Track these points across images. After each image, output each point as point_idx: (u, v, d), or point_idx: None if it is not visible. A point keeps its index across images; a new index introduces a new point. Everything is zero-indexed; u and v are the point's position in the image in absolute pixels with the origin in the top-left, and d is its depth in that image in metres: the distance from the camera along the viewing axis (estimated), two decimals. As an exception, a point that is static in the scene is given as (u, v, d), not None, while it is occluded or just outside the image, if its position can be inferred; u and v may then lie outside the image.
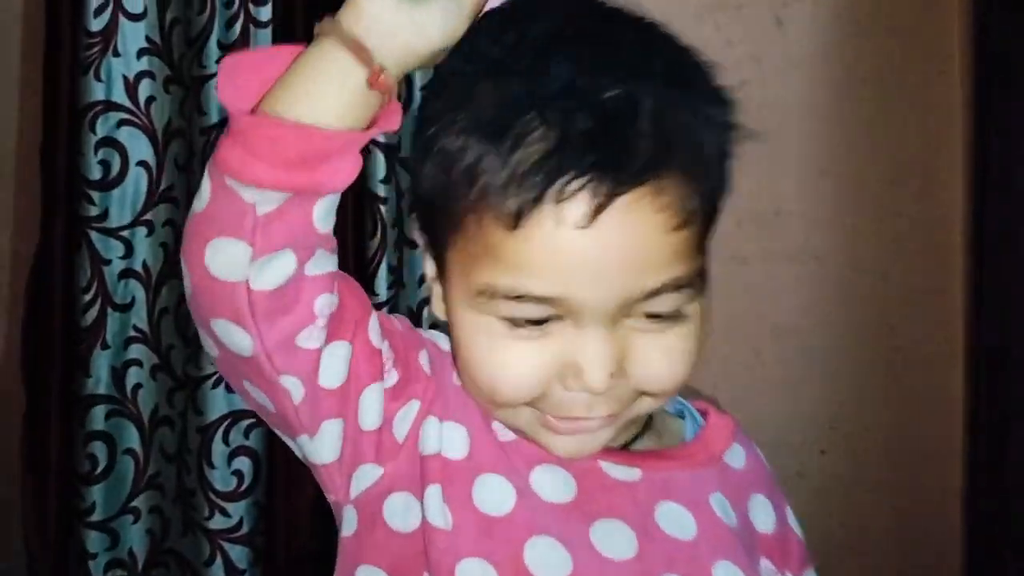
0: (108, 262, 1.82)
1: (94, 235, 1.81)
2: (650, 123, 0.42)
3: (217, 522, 1.77)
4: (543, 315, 0.46)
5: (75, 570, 1.82)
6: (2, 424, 1.99)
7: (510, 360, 0.47)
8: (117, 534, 1.84)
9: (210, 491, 1.77)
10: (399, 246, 1.74)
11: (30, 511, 1.80)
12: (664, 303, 0.45)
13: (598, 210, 0.41)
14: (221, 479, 1.78)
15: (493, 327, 0.47)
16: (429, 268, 0.56)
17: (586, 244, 0.42)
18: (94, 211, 1.80)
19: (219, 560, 1.77)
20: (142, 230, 1.85)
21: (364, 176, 1.72)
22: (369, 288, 1.70)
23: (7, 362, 1.93)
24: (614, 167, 0.41)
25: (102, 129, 1.80)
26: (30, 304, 1.86)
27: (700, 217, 0.45)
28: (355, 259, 1.72)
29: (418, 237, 0.57)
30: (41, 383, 1.82)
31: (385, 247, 1.71)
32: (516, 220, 0.42)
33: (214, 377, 1.76)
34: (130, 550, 1.85)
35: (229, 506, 1.77)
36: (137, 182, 1.83)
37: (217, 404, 1.77)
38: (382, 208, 1.71)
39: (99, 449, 1.82)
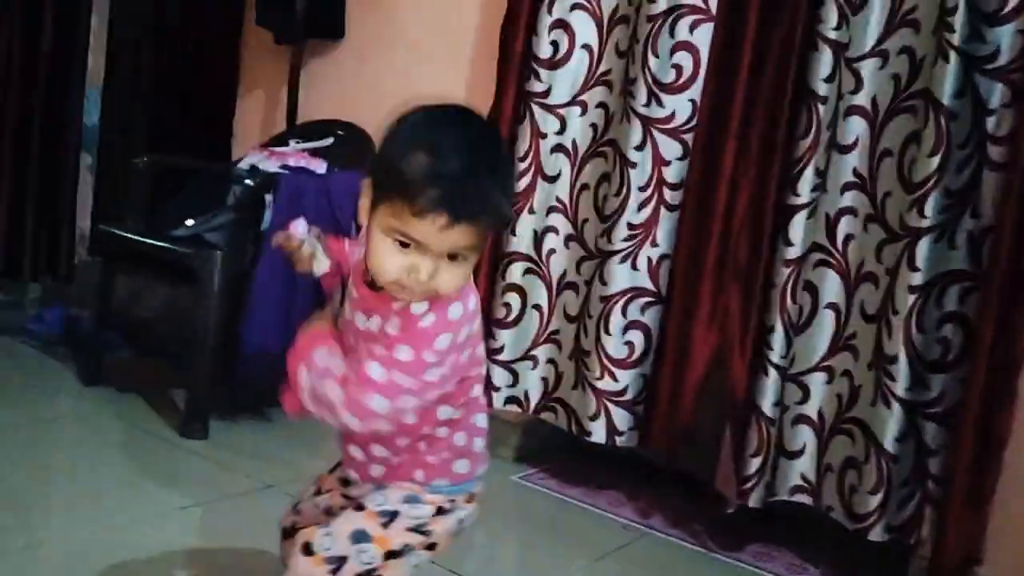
0: (544, 136, 2.02)
1: (536, 109, 2.01)
2: (474, 194, 0.95)
3: (606, 384, 1.94)
4: (411, 244, 0.95)
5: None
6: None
7: (388, 259, 0.97)
8: (517, 374, 2.10)
9: (604, 355, 1.93)
10: (829, 149, 1.69)
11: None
12: (458, 254, 0.96)
13: (446, 227, 0.93)
14: (615, 346, 1.93)
15: (387, 242, 0.96)
16: (365, 200, 1.00)
17: (439, 233, 0.94)
18: (539, 87, 2.00)
19: (603, 417, 1.95)
20: (576, 109, 2.01)
21: (805, 72, 1.69)
22: (792, 188, 1.70)
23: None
24: (455, 214, 0.93)
25: (557, 11, 1.96)
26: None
27: (486, 232, 0.99)
28: (782, 157, 1.72)
29: (365, 184, 1.01)
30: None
31: (816, 148, 1.68)
32: (418, 215, 0.93)
33: (622, 253, 1.90)
34: (526, 392, 2.11)
35: (619, 372, 1.93)
36: (579, 63, 1.98)
37: (620, 278, 1.91)
38: (820, 107, 1.67)
39: (513, 300, 2.07)
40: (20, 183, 2.60)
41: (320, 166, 2.36)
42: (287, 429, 2.24)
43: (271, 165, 2.32)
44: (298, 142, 2.50)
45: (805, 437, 1.74)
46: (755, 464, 1.72)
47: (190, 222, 2.22)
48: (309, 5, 2.47)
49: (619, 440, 1.95)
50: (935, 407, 1.59)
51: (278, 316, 2.07)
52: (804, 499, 1.75)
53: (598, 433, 1.95)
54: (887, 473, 1.60)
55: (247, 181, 2.17)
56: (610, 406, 1.94)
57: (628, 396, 1.94)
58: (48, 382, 2.29)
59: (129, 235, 2.23)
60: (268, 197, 2.16)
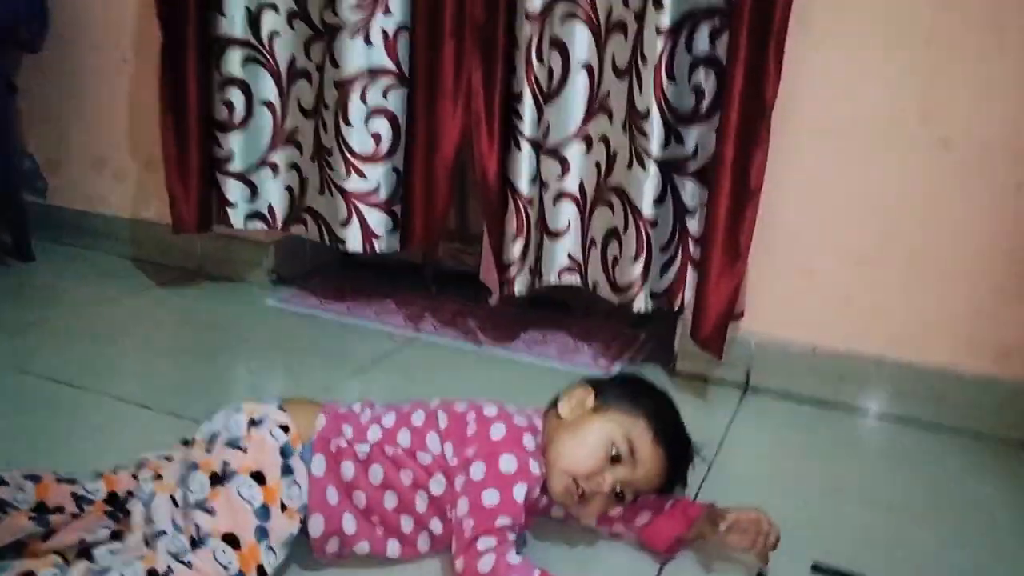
0: None
1: None
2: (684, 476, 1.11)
3: (354, 183, 1.71)
4: (622, 460, 1.04)
5: (217, 218, 1.85)
6: (144, 61, 1.95)
7: (593, 456, 1.03)
8: (255, 186, 1.83)
9: (347, 151, 1.69)
10: None
11: (171, 154, 1.78)
12: (634, 496, 1.06)
13: (662, 471, 1.06)
14: (359, 140, 1.69)
15: (601, 443, 1.03)
16: (580, 398, 1.08)
17: (655, 468, 1.05)
18: None
19: (355, 221, 1.73)
20: None
21: None
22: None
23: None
24: (681, 472, 1.10)
25: None
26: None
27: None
28: None
29: (582, 387, 1.10)
30: (176, 20, 1.72)
31: None
32: (655, 443, 1.04)
33: (352, 26, 1.61)
34: (269, 205, 1.84)
35: (366, 168, 1.70)
36: None
37: (355, 57, 1.64)
38: None
39: (236, 96, 1.76)
40: None
41: None
42: None
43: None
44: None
45: (568, 214, 1.61)
46: (517, 248, 1.59)
47: None
48: None
49: (378, 246, 1.75)
50: (691, 163, 1.49)
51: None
52: (572, 279, 1.65)
53: (353, 241, 1.74)
54: (647, 239, 1.50)
55: None
56: (362, 208, 1.72)
57: (381, 196, 1.72)
58: None
59: None
60: None
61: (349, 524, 0.99)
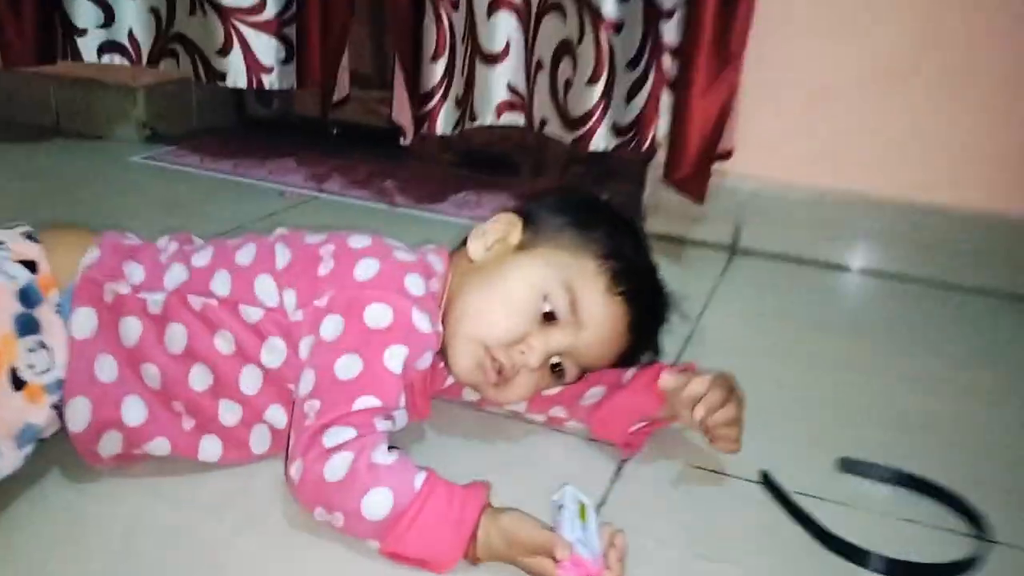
0: None
1: None
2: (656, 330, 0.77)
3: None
4: (559, 320, 0.70)
5: (61, 50, 1.44)
6: None
7: (517, 316, 0.70)
8: (110, 8, 1.43)
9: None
10: None
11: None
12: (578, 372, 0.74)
13: (626, 330, 0.72)
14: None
15: (530, 299, 0.69)
16: (510, 233, 0.74)
17: (613, 330, 0.71)
18: None
19: (237, 49, 1.34)
20: None
21: None
22: None
23: None
24: (649, 327, 0.75)
25: None
26: None
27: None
28: None
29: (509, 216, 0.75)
30: None
31: None
32: (610, 292, 0.70)
33: None
34: (130, 32, 1.44)
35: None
36: None
37: None
38: None
39: None
40: None
41: None
42: None
43: None
44: None
45: (507, 29, 1.24)
46: (437, 71, 1.21)
47: None
48: None
49: (267, 80, 1.37)
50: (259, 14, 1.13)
51: None
52: (514, 118, 1.29)
53: (235, 73, 1.36)
54: (608, 51, 1.13)
55: None
56: (244, 31, 1.33)
57: (268, 13, 1.33)
58: None
59: None
60: None
61: (134, 411, 0.64)
